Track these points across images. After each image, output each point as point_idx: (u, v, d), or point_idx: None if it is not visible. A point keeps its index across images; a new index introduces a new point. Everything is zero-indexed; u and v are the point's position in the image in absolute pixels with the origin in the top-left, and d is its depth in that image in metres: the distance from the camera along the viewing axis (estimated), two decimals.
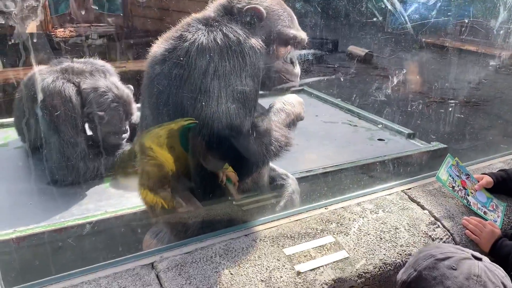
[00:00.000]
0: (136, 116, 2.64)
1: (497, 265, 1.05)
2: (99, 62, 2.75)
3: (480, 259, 1.04)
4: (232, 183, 1.77)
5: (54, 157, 2.45)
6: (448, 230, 1.77)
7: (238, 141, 1.45)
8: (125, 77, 2.89)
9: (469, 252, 1.06)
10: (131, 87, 2.68)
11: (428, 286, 1.00)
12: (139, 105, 2.35)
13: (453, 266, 0.99)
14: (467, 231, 1.77)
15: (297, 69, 1.85)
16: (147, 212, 2.04)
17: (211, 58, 1.45)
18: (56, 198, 2.35)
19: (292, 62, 1.82)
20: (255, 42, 1.60)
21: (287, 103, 1.88)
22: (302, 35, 1.80)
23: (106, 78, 2.61)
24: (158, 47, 1.62)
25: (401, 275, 1.10)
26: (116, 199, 2.36)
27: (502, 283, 0.99)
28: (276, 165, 2.20)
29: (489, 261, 1.06)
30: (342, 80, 6.62)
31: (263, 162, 1.60)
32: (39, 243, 2.00)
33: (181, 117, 1.46)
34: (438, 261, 1.02)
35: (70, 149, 2.44)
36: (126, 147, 2.66)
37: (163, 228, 1.93)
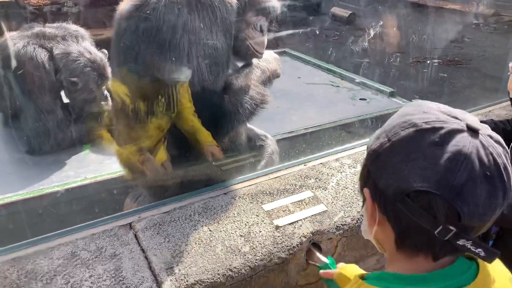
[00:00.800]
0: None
1: (498, 138, 0.79)
2: (72, 27, 2.66)
3: (475, 131, 0.76)
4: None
5: (31, 125, 2.41)
6: None
7: (212, 99, 1.43)
8: (103, 45, 2.82)
9: (464, 120, 0.77)
10: (105, 51, 2.60)
11: (401, 164, 0.75)
12: None
13: (437, 141, 0.74)
14: None
15: (265, 39, 1.78)
16: (126, 178, 2.03)
17: (180, 12, 1.41)
18: (34, 166, 2.32)
19: (262, 31, 1.76)
20: None
21: (262, 59, 1.84)
22: (275, 3, 1.74)
23: (79, 43, 2.53)
24: (126, 3, 1.56)
25: (373, 142, 0.82)
26: (96, 166, 2.34)
27: (498, 165, 0.74)
28: (257, 127, 2.19)
29: (489, 132, 0.79)
30: (325, 41, 6.55)
31: (238, 120, 1.58)
32: (18, 211, 1.98)
33: (150, 73, 1.43)
34: (420, 132, 0.76)
35: (46, 117, 2.39)
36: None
37: (143, 191, 1.93)
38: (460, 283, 0.77)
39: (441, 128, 0.75)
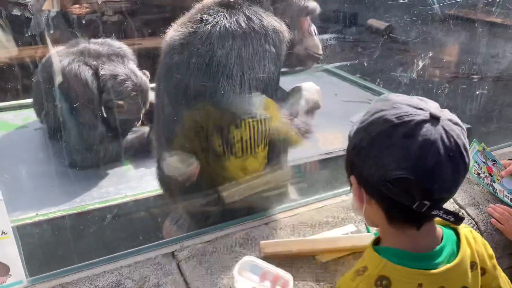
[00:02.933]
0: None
1: (456, 120, 0.94)
2: (116, 44, 2.71)
3: (438, 118, 0.90)
4: None
5: (73, 140, 2.46)
6: (473, 218, 1.73)
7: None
8: (141, 54, 2.87)
9: (428, 108, 0.92)
10: (147, 73, 2.65)
11: (380, 155, 0.91)
12: (153, 85, 2.35)
13: (408, 133, 0.88)
14: (492, 219, 1.73)
15: (318, 40, 1.85)
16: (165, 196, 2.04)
17: (234, 41, 1.41)
18: (76, 181, 2.37)
19: (314, 34, 1.81)
20: (278, 25, 1.54)
21: (306, 89, 1.84)
22: (315, 4, 1.79)
23: (125, 64, 2.58)
24: (175, 31, 1.58)
25: (353, 137, 0.97)
26: (136, 182, 2.37)
27: (458, 145, 0.90)
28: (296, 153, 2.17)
29: (448, 116, 0.93)
30: (361, 55, 6.46)
31: (284, 149, 1.57)
32: (61, 227, 2.03)
33: (202, 104, 1.44)
34: (393, 127, 0.90)
35: (89, 132, 2.44)
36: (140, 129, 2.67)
37: (182, 214, 1.94)
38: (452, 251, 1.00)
39: (410, 121, 0.90)
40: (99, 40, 2.71)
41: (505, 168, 1.91)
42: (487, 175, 1.86)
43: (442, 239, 1.02)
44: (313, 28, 1.82)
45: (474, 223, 1.71)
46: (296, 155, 2.19)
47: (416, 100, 0.95)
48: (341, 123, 3.29)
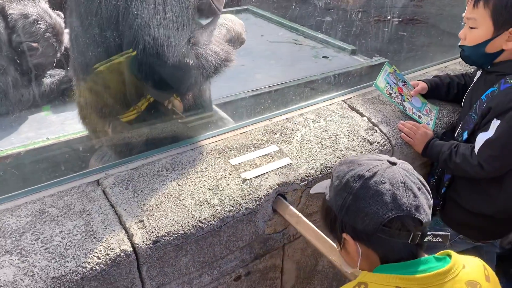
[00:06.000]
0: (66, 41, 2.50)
1: (405, 163, 1.11)
2: None
3: (395, 164, 1.08)
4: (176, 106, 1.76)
5: None
6: (385, 134, 1.87)
7: (176, 52, 1.41)
8: None
9: (384, 159, 1.10)
10: (62, 14, 2.50)
11: (368, 205, 1.02)
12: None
13: (382, 180, 1.03)
14: (402, 134, 1.88)
15: None
16: (90, 137, 2.00)
17: None
18: None
19: None
20: None
21: (227, 19, 1.83)
22: None
23: (35, 2, 2.41)
24: None
25: (335, 200, 1.09)
26: (57, 126, 2.29)
27: (419, 180, 1.07)
28: (222, 85, 2.18)
29: (401, 161, 1.11)
30: None
31: (202, 75, 1.57)
32: None
33: (113, 27, 1.39)
34: (368, 179, 1.04)
35: (0, 77, 2.29)
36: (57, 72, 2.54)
37: (108, 151, 1.91)
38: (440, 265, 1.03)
39: (378, 171, 1.05)
40: None
41: (414, 88, 2.07)
42: (398, 94, 2.00)
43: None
44: None
45: (386, 138, 1.85)
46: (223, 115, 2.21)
47: (370, 155, 1.13)
48: (268, 62, 3.36)
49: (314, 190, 1.32)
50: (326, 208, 1.15)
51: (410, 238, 1.01)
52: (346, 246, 1.11)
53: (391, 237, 1.01)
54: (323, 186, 1.25)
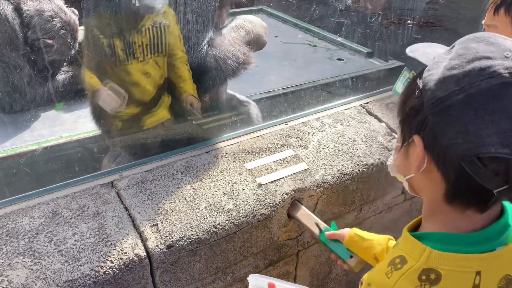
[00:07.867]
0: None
1: None
2: None
3: None
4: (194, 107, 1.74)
5: None
6: None
7: (196, 52, 1.39)
8: None
9: None
10: (76, 11, 2.49)
11: (477, 122, 0.63)
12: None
13: None
14: None
15: None
16: (103, 136, 1.99)
17: None
18: (5, 124, 2.24)
19: None
20: None
21: (247, 21, 1.81)
22: None
23: (50, 0, 2.41)
24: None
25: (435, 88, 0.68)
26: (70, 124, 2.28)
27: None
28: (236, 87, 2.16)
29: None
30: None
31: (220, 77, 1.55)
32: None
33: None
34: (506, 86, 0.62)
35: (14, 74, 2.28)
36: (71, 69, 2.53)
37: (121, 151, 1.90)
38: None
39: None
40: None
41: None
42: None
43: (502, 213, 0.75)
44: None
45: None
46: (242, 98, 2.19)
47: None
48: (281, 64, 3.33)
49: (411, 51, 0.82)
50: (412, 87, 0.74)
51: (499, 190, 0.66)
52: (409, 149, 0.75)
53: (476, 176, 0.66)
54: (427, 51, 0.81)
